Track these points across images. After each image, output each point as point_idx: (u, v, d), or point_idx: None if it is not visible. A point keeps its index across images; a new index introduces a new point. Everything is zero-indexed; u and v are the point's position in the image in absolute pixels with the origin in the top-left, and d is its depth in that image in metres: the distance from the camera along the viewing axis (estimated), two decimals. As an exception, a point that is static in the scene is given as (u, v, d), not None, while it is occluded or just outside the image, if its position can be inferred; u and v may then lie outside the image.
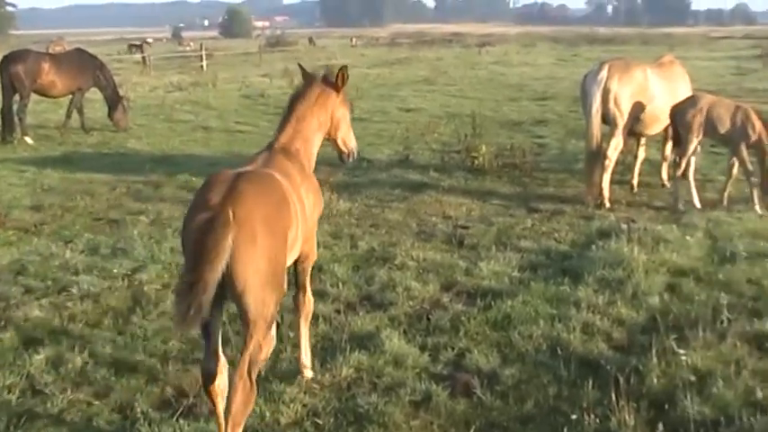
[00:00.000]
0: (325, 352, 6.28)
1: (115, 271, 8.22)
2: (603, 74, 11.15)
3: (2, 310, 7.21)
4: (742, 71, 34.05)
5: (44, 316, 7.08)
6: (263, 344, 4.49)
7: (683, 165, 10.72)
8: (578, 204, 11.05)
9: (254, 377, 4.44)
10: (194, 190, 11.69)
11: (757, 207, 10.49)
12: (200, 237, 4.17)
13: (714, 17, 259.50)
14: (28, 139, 17.42)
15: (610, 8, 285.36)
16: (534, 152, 14.64)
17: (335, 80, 5.75)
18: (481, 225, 10.06)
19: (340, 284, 7.76)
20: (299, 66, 6.21)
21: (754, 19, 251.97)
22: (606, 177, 11.22)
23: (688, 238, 9.01)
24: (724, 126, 10.62)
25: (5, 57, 18.50)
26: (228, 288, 4.31)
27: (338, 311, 7.13)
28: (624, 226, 9.55)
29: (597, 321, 6.70)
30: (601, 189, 11.19)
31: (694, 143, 10.70)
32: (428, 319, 6.93)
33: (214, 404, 4.68)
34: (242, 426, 4.44)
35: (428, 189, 12.01)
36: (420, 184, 12.41)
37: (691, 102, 10.85)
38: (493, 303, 7.10)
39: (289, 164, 5.29)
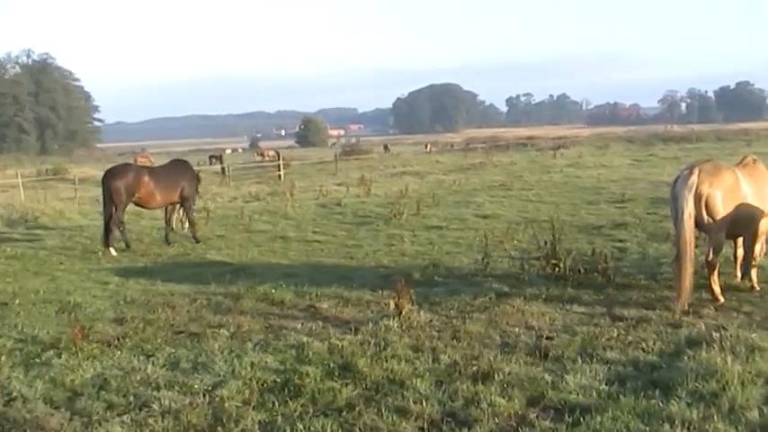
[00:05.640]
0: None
1: (196, 386, 8.14)
2: (694, 178, 10.95)
3: (84, 426, 7.23)
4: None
5: (125, 434, 7.04)
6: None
7: None
8: (664, 311, 10.66)
9: None
10: (274, 302, 11.88)
11: None
12: None
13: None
14: (112, 251, 17.84)
15: (683, 106, 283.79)
16: (615, 257, 14.29)
17: None
18: (565, 335, 9.72)
19: (423, 401, 7.52)
20: None
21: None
22: (714, 278, 11.25)
23: (785, 346, 8.63)
24: None
25: (108, 171, 19.45)
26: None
27: (422, 429, 6.92)
28: (715, 334, 9.21)
29: (693, 439, 6.38)
30: (713, 291, 11.24)
31: None
32: (515, 436, 6.68)
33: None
34: None
35: (509, 298, 11.69)
36: (500, 293, 12.08)
37: None
38: (582, 419, 6.81)
39: None
